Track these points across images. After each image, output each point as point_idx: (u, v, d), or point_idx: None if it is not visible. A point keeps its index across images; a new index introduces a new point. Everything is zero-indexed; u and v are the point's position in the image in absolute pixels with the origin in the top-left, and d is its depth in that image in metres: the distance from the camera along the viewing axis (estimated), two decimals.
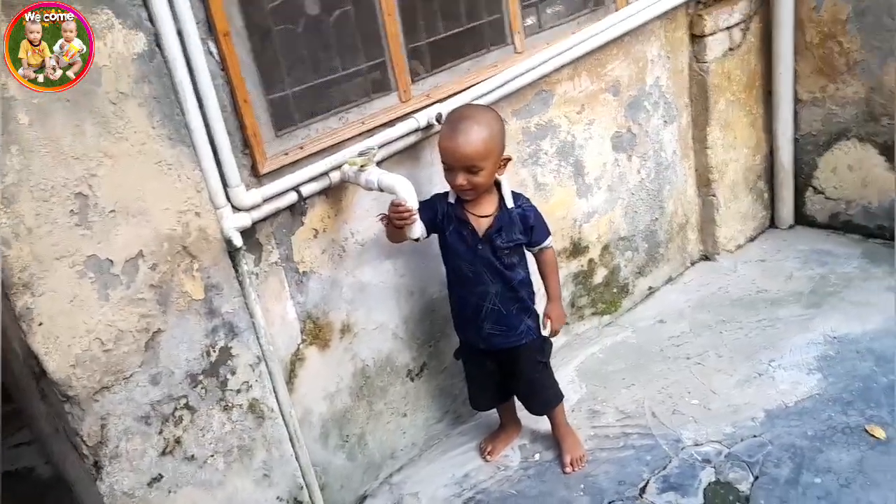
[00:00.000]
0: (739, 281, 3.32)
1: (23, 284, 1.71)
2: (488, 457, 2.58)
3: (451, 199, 2.28)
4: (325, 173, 2.20)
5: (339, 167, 2.21)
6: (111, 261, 1.81)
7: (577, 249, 3.00)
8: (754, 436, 2.44)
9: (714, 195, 3.40)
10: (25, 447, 3.35)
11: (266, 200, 2.09)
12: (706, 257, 3.53)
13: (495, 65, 2.56)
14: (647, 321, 3.16)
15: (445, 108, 2.37)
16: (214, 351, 2.02)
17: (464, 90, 2.45)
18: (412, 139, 2.37)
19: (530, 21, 2.67)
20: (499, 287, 2.29)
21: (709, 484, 2.30)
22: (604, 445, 2.53)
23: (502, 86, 2.53)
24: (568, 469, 2.45)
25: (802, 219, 3.65)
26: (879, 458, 2.26)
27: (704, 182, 3.39)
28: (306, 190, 2.17)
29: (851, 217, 3.48)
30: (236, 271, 2.04)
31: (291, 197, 2.15)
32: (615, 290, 3.19)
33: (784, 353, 2.77)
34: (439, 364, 2.66)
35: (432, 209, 2.26)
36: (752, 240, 3.60)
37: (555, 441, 2.55)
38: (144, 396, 1.91)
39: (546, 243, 2.36)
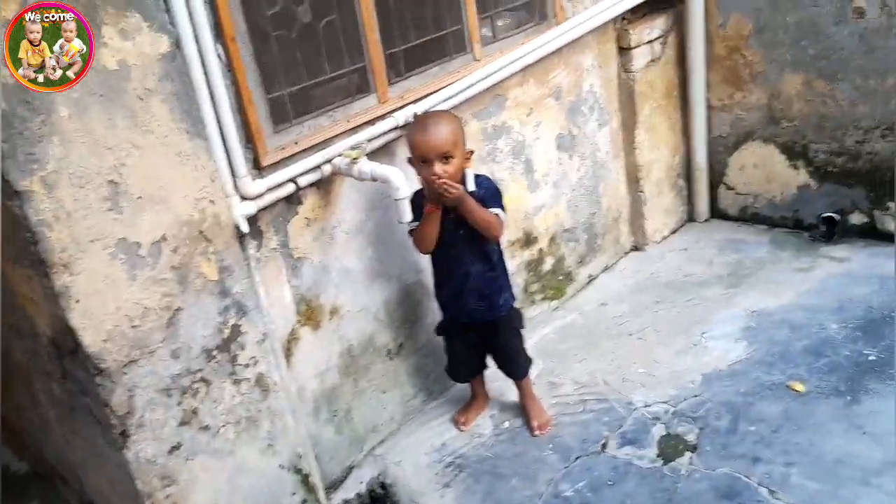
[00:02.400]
0: (667, 267, 3.70)
1: (62, 265, 1.84)
2: (463, 427, 2.82)
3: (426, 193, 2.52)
4: (318, 166, 2.41)
5: (330, 161, 2.43)
6: (138, 244, 1.96)
7: (528, 240, 3.30)
8: (695, 395, 2.78)
9: (642, 191, 3.77)
10: None
11: (268, 190, 2.29)
12: (636, 248, 3.90)
13: (458, 71, 2.83)
14: (591, 304, 3.49)
15: (419, 109, 2.63)
16: (227, 328, 2.18)
17: (433, 93, 2.71)
18: (391, 136, 2.61)
19: (485, 32, 2.96)
20: (479, 266, 2.55)
21: (661, 437, 2.62)
22: (565, 411, 2.82)
23: (466, 89, 2.80)
24: (536, 432, 2.73)
25: (717, 212, 4.06)
26: (801, 408, 2.63)
27: (634, 179, 3.76)
28: (302, 181, 2.38)
29: (759, 210, 3.90)
30: (244, 255, 2.23)
31: (289, 188, 2.35)
32: (561, 278, 3.50)
33: (713, 326, 3.14)
34: (414, 344, 2.89)
35: (416, 203, 2.50)
36: (674, 232, 4.00)
37: (522, 409, 2.82)
38: (166, 370, 2.06)
39: (496, 211, 2.48)
